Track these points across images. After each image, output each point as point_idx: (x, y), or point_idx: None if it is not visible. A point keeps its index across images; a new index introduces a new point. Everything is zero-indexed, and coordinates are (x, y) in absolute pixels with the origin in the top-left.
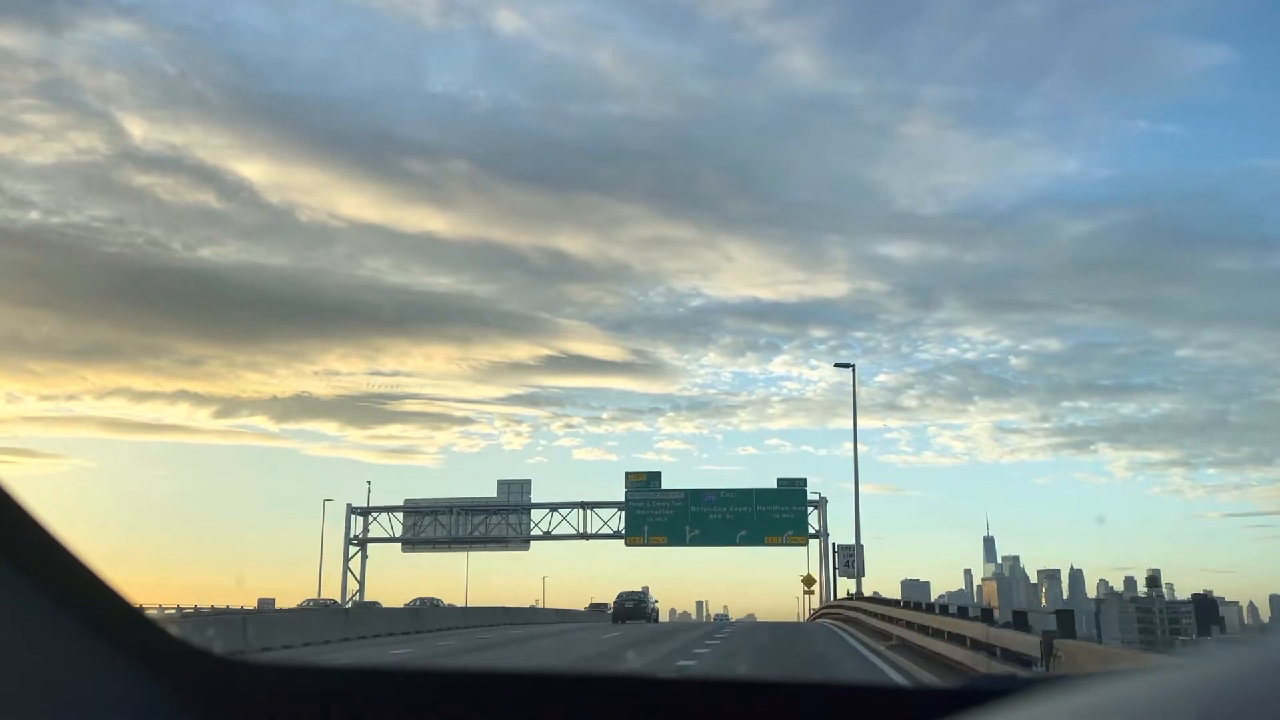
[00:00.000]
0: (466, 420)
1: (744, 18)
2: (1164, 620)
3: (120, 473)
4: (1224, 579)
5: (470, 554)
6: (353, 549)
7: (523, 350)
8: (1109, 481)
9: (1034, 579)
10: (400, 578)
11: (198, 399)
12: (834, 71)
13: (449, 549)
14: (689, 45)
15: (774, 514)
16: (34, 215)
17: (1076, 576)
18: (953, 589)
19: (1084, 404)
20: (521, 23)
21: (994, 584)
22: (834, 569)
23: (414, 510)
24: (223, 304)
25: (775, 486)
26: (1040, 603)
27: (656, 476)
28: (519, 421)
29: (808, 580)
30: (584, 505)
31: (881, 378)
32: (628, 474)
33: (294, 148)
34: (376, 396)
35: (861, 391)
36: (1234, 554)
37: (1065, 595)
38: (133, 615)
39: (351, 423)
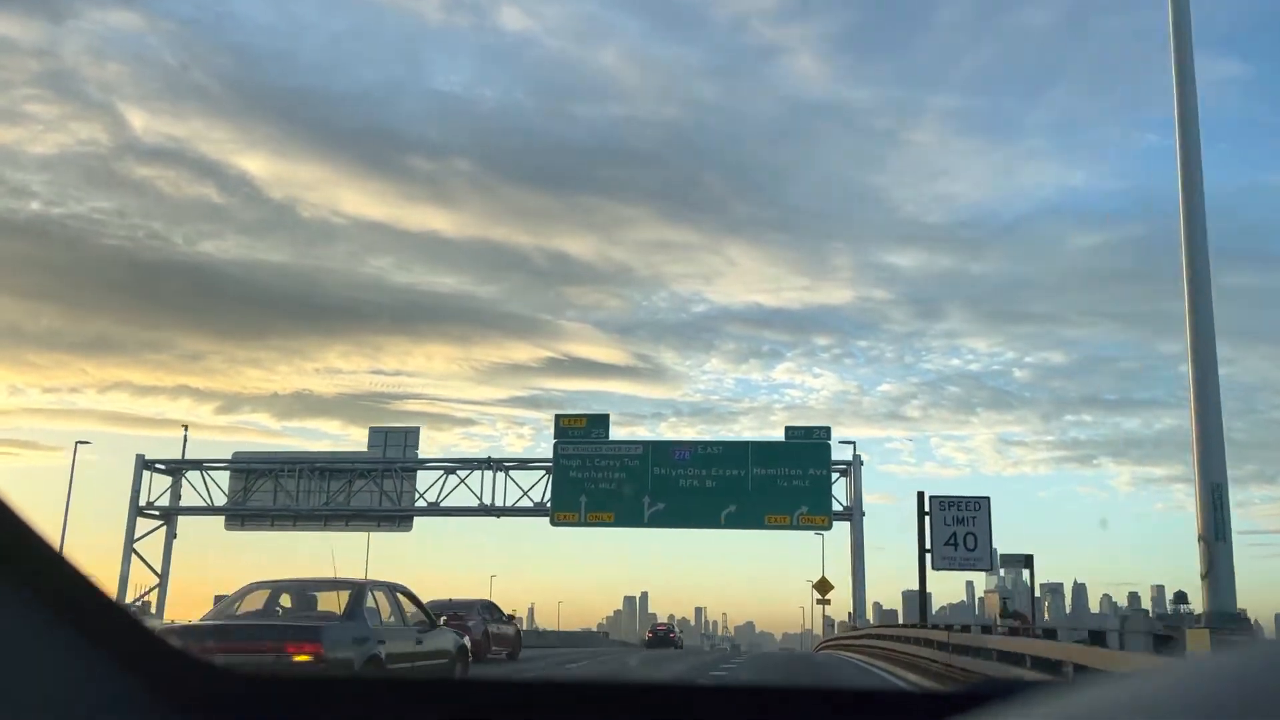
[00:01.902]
0: (468, 421)
1: (750, 20)
2: None
3: (123, 467)
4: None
5: (328, 534)
6: (153, 523)
7: (524, 352)
8: (1111, 496)
9: (1036, 593)
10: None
11: (199, 395)
12: (840, 76)
13: (294, 526)
14: (694, 47)
15: (780, 480)
16: (35, 206)
17: (1080, 590)
18: (954, 601)
19: (1087, 417)
20: (526, 20)
21: (996, 596)
22: (924, 551)
23: (244, 468)
24: (224, 299)
25: (783, 439)
26: (1044, 616)
27: (601, 421)
28: (520, 424)
29: (822, 585)
30: (492, 464)
31: (884, 387)
32: (559, 418)
33: (296, 143)
34: (378, 396)
35: (864, 401)
36: (1237, 572)
37: (1069, 609)
38: (130, 625)
39: (353, 421)
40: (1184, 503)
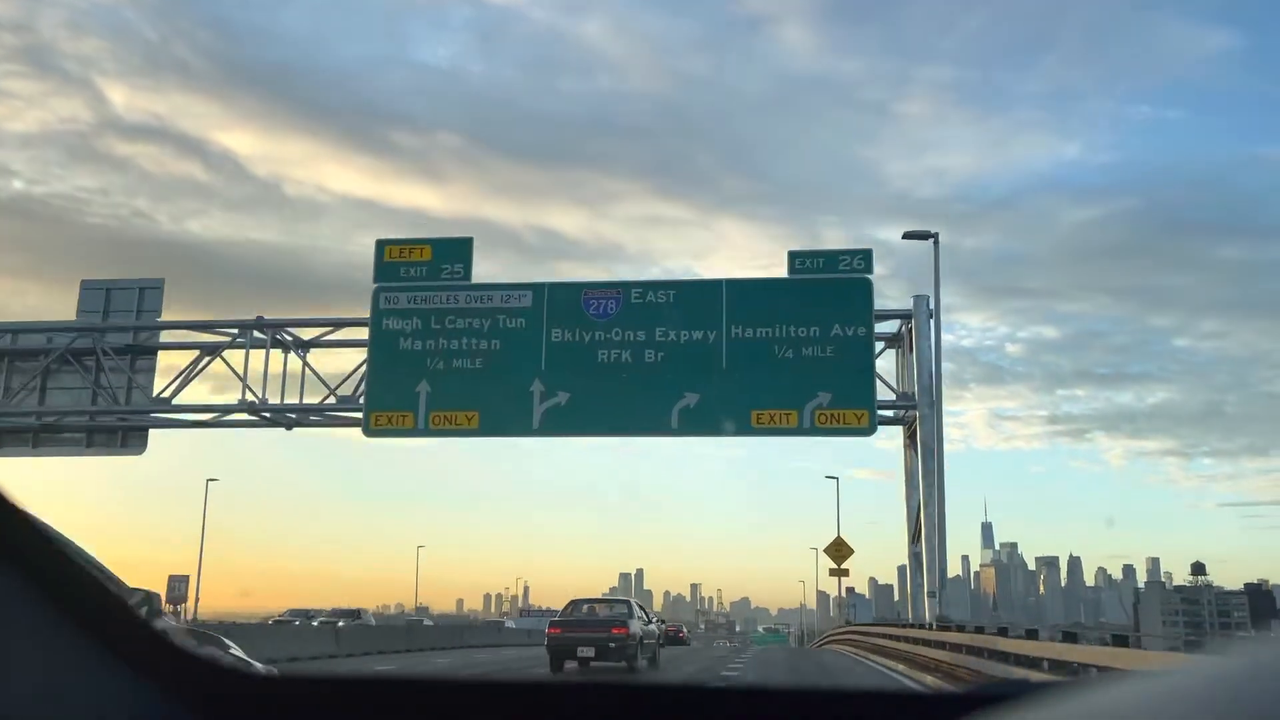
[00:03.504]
0: None
1: None
2: (1213, 612)
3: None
4: (1220, 569)
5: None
6: None
7: None
8: (1104, 470)
9: (1032, 566)
10: None
11: None
12: (829, 46)
13: None
14: (681, 18)
15: (779, 348)
16: (17, 185)
17: (1075, 564)
18: (950, 575)
19: (1080, 392)
20: None
21: (992, 570)
22: None
23: None
24: (212, 278)
25: (786, 275)
26: (1039, 590)
27: (456, 250)
28: None
29: (837, 550)
30: (265, 329)
31: (878, 363)
32: (381, 247)
33: (280, 118)
34: None
35: None
36: (1229, 544)
37: (1064, 583)
38: (139, 627)
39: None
40: (1177, 476)
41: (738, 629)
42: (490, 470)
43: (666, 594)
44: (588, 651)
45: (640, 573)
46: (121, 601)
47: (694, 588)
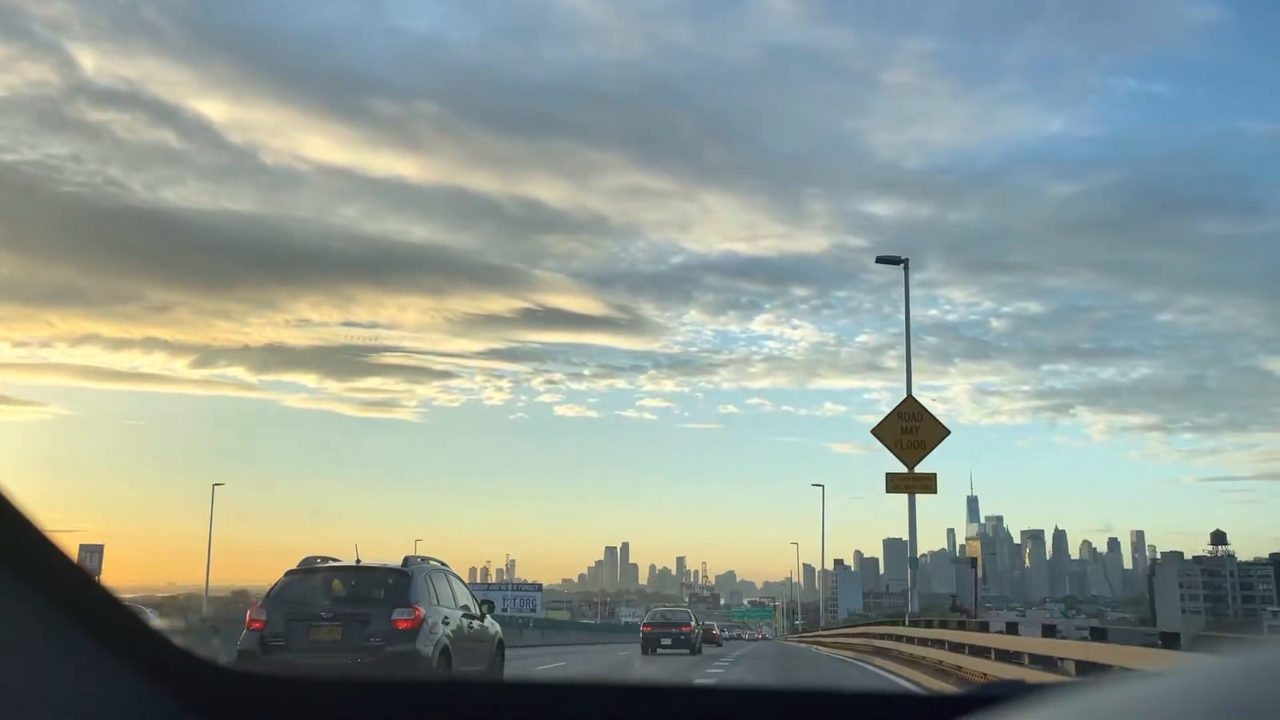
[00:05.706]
0: (447, 374)
1: None
2: (1235, 585)
3: (99, 421)
4: (1201, 543)
5: None
6: None
7: (500, 303)
8: (1087, 445)
9: (1017, 539)
10: None
11: (172, 348)
12: (814, 16)
13: None
14: None
15: None
16: None
17: (1060, 537)
18: (935, 549)
19: (1063, 367)
20: None
21: (978, 544)
22: None
23: None
24: (189, 249)
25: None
26: (1025, 563)
27: None
28: (499, 376)
29: (907, 429)
30: None
31: (862, 338)
32: None
33: (254, 84)
34: (354, 349)
35: (841, 352)
36: (1211, 518)
37: (1049, 556)
38: (136, 626)
39: (330, 375)
40: (1158, 451)
41: (722, 602)
42: (474, 446)
43: (652, 568)
44: (667, 641)
45: (626, 546)
46: (119, 602)
47: (679, 561)
